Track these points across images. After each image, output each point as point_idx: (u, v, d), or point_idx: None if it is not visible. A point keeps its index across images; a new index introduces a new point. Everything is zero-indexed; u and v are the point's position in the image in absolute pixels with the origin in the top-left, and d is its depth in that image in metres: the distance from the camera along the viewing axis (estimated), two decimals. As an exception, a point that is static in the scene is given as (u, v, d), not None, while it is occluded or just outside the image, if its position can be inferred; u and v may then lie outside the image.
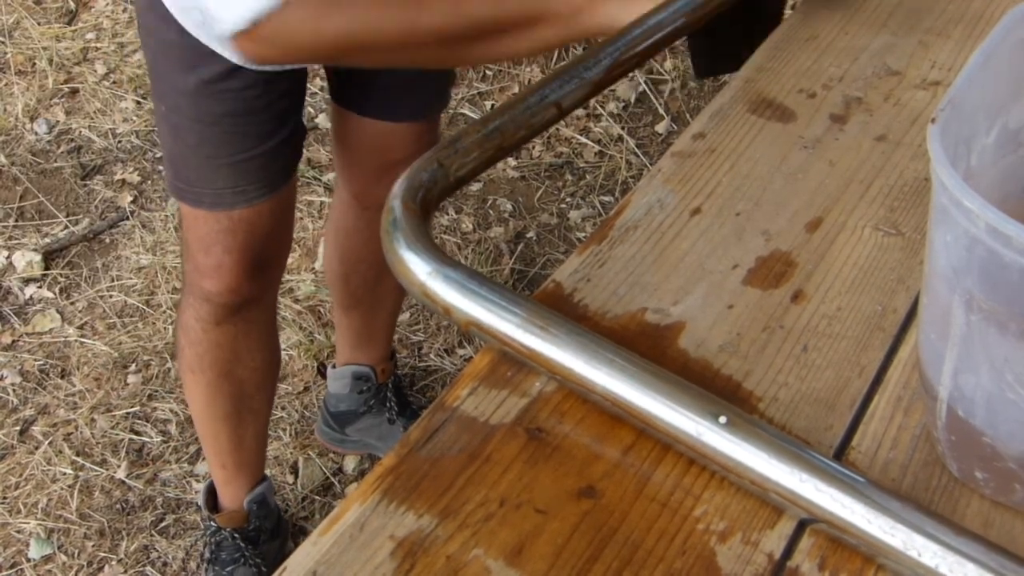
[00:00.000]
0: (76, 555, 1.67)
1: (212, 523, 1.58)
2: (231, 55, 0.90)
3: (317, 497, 1.76)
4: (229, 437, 1.48)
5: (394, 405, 1.75)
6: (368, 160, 1.41)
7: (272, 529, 1.61)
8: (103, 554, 1.67)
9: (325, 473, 1.78)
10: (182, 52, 1.08)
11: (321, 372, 1.84)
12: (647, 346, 0.64)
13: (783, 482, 0.52)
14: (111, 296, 2.07)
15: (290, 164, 1.25)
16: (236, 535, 1.56)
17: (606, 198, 2.26)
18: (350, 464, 1.80)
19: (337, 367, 1.75)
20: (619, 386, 0.55)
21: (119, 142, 2.39)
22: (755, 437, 0.53)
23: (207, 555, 1.60)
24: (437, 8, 0.84)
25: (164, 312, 2.01)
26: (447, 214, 2.21)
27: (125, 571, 1.65)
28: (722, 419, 0.53)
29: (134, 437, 1.83)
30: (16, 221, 2.23)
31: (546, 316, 0.58)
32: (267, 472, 1.76)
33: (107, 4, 2.80)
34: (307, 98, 1.29)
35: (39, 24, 2.72)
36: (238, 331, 1.34)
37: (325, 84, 2.12)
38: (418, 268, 0.59)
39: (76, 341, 1.98)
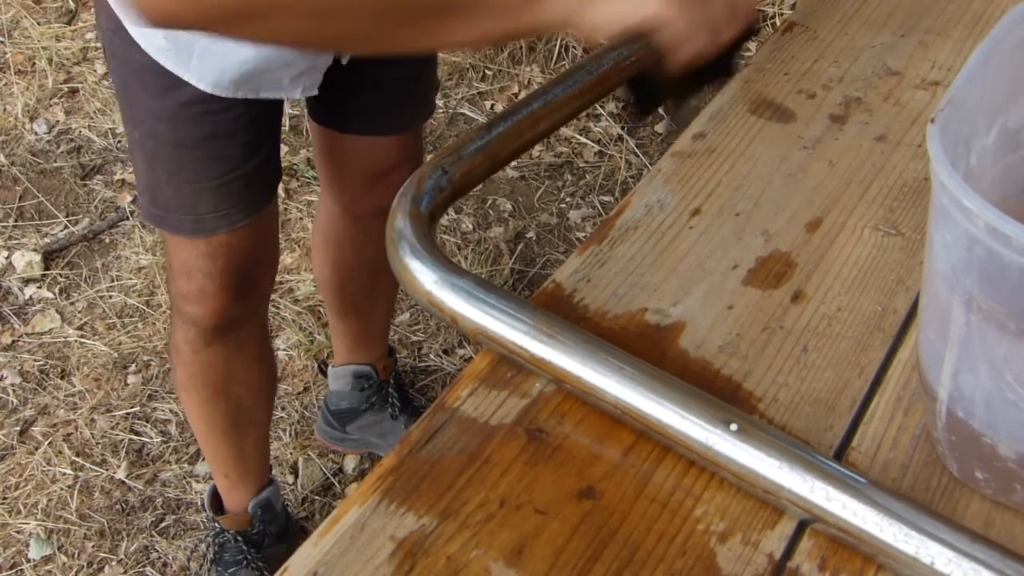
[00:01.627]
0: (76, 555, 1.67)
1: (216, 524, 1.58)
2: (131, 13, 0.74)
3: (317, 497, 1.75)
4: (230, 450, 1.47)
5: (396, 401, 1.75)
6: (355, 174, 1.40)
7: (278, 533, 1.60)
8: (103, 554, 1.67)
9: (325, 473, 1.78)
10: (156, 75, 1.05)
11: (322, 370, 1.83)
12: (647, 347, 0.64)
13: (795, 488, 0.52)
14: (111, 296, 2.07)
15: (269, 187, 1.22)
16: (239, 538, 1.56)
17: (606, 198, 2.26)
18: (350, 464, 1.80)
19: (336, 367, 1.75)
20: (629, 394, 0.56)
21: (119, 142, 2.39)
22: (766, 444, 0.53)
23: (210, 555, 1.60)
24: None
25: (164, 312, 2.01)
26: (447, 214, 2.21)
27: (125, 571, 1.65)
28: (733, 426, 0.53)
29: (134, 437, 1.83)
30: (16, 221, 2.23)
31: (554, 324, 0.58)
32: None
33: (107, 4, 2.79)
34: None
35: (39, 24, 2.72)
36: (229, 350, 1.32)
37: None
38: (424, 276, 0.59)
39: (76, 341, 1.98)
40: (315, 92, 1.12)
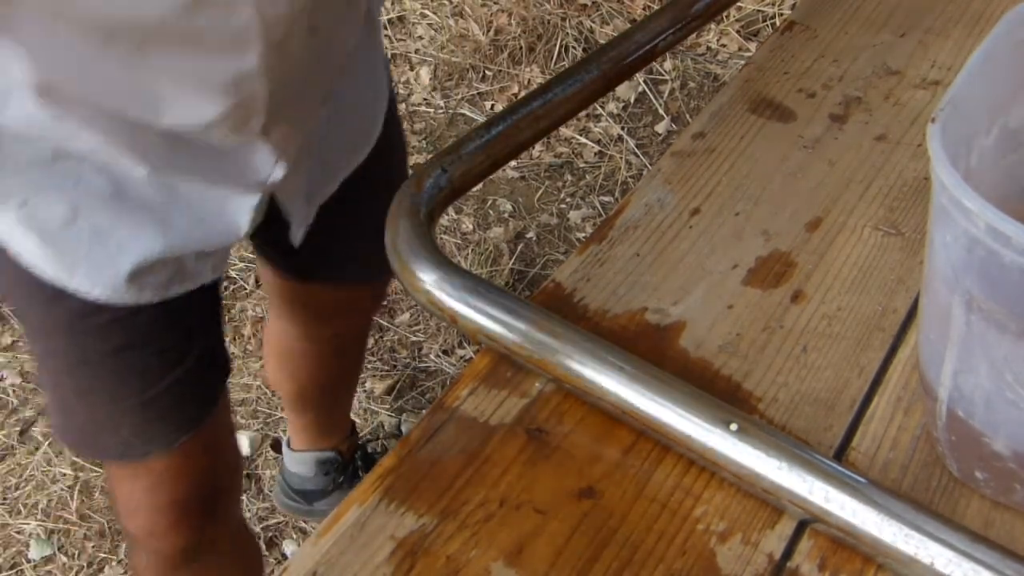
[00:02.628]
0: (76, 556, 1.67)
1: None
2: None
3: (317, 497, 1.75)
4: None
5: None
6: (314, 313, 1.24)
7: None
8: (103, 555, 1.67)
9: (325, 473, 1.78)
10: (37, 284, 0.80)
11: (275, 448, 1.71)
12: (647, 346, 0.64)
13: (794, 488, 0.52)
14: (111, 296, 2.07)
15: (211, 390, 0.97)
16: None
17: (606, 198, 2.26)
18: (350, 464, 1.80)
19: (295, 450, 1.60)
20: (629, 394, 0.56)
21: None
22: (766, 444, 0.53)
23: None
24: None
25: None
26: (447, 214, 2.21)
27: (125, 571, 1.65)
28: (733, 426, 0.53)
29: (134, 437, 1.83)
30: (16, 221, 2.23)
31: (554, 323, 0.58)
32: (267, 473, 1.76)
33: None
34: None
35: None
36: (204, 571, 1.08)
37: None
38: (424, 276, 0.59)
39: (76, 341, 1.98)
40: (224, 270, 0.91)
